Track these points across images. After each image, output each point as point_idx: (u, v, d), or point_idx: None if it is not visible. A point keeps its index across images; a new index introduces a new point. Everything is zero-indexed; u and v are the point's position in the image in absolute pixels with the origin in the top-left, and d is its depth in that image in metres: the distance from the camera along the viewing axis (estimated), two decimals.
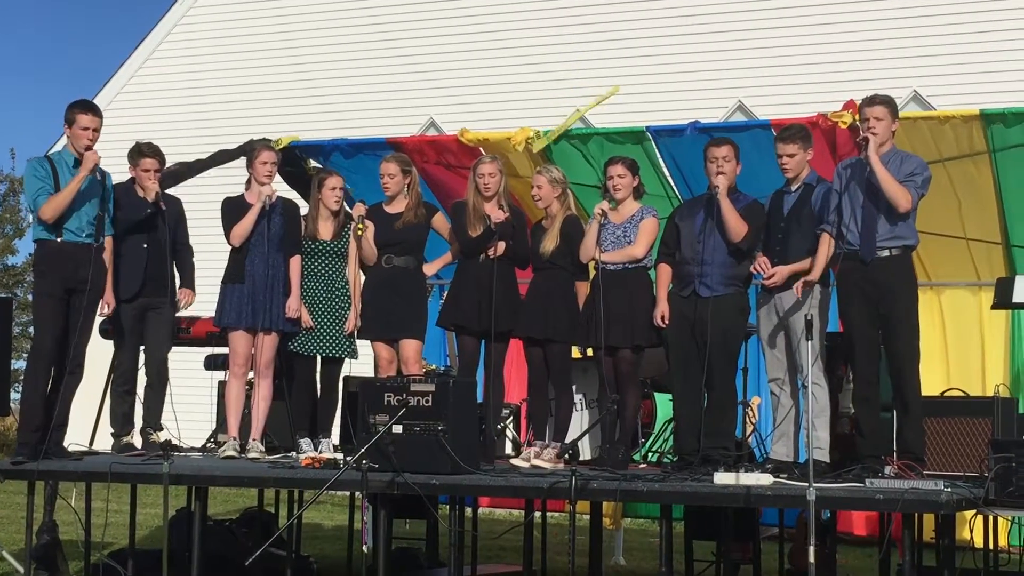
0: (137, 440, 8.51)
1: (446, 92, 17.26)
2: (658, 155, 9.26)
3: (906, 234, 7.18)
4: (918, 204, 7.24)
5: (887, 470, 6.89)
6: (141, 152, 8.59)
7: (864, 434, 7.26)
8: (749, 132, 8.79)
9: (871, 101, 7.33)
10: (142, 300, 8.46)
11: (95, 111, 8.15)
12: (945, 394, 8.41)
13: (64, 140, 8.22)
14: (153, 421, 8.48)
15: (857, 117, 8.34)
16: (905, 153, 7.38)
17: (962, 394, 8.32)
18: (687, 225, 7.88)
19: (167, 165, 8.99)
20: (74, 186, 7.88)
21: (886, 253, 7.16)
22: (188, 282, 8.73)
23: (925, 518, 7.51)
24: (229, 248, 8.50)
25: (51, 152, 8.21)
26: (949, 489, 6.26)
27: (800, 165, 7.62)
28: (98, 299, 8.11)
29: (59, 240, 7.93)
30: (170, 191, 8.90)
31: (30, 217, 8.36)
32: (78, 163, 8.00)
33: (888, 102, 7.32)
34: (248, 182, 8.63)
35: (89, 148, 7.98)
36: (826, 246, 7.39)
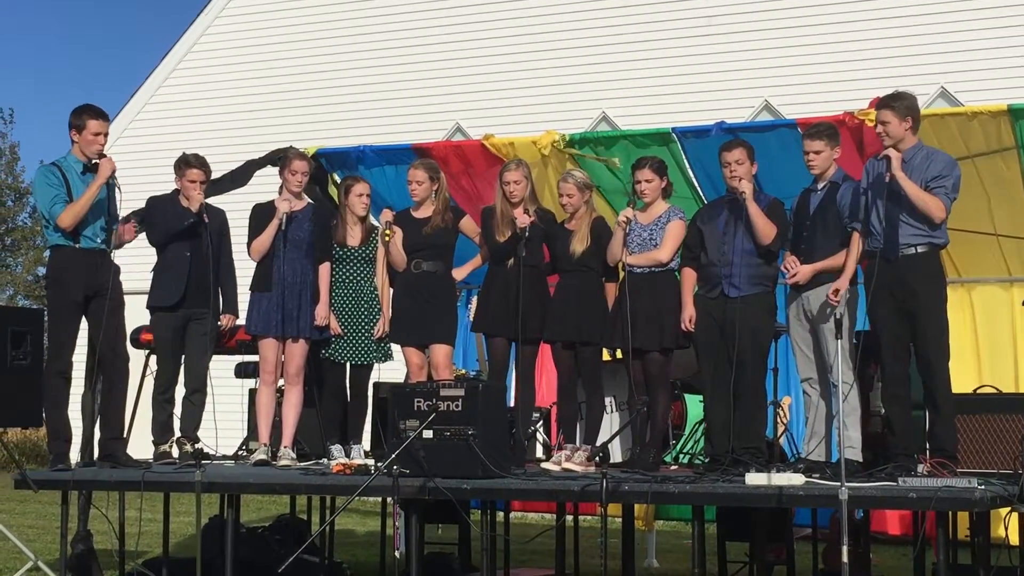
0: (176, 450, 8.53)
1: (472, 97, 17.28)
2: (684, 157, 9.23)
3: (933, 231, 7.13)
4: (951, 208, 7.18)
5: (920, 468, 6.85)
6: (188, 163, 8.54)
7: (896, 433, 7.22)
8: (775, 131, 8.76)
9: (878, 106, 7.29)
10: (184, 311, 8.40)
11: (105, 116, 8.12)
12: (978, 391, 8.36)
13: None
14: (189, 432, 8.50)
15: None
16: (931, 149, 7.31)
17: (995, 391, 8.27)
18: (710, 227, 7.87)
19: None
20: (92, 193, 7.86)
21: (912, 251, 7.11)
22: (230, 306, 8.63)
23: (959, 516, 7.49)
24: None
25: (57, 158, 8.14)
26: (983, 487, 6.23)
27: (826, 162, 7.59)
28: (121, 303, 8.10)
29: (77, 246, 7.93)
30: (213, 202, 8.87)
31: (43, 225, 8.24)
32: (87, 169, 8.00)
33: (891, 104, 7.21)
34: (281, 188, 8.67)
35: (102, 154, 8.00)
36: (856, 245, 7.36)
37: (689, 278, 7.99)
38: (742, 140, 7.91)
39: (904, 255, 7.11)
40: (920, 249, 7.11)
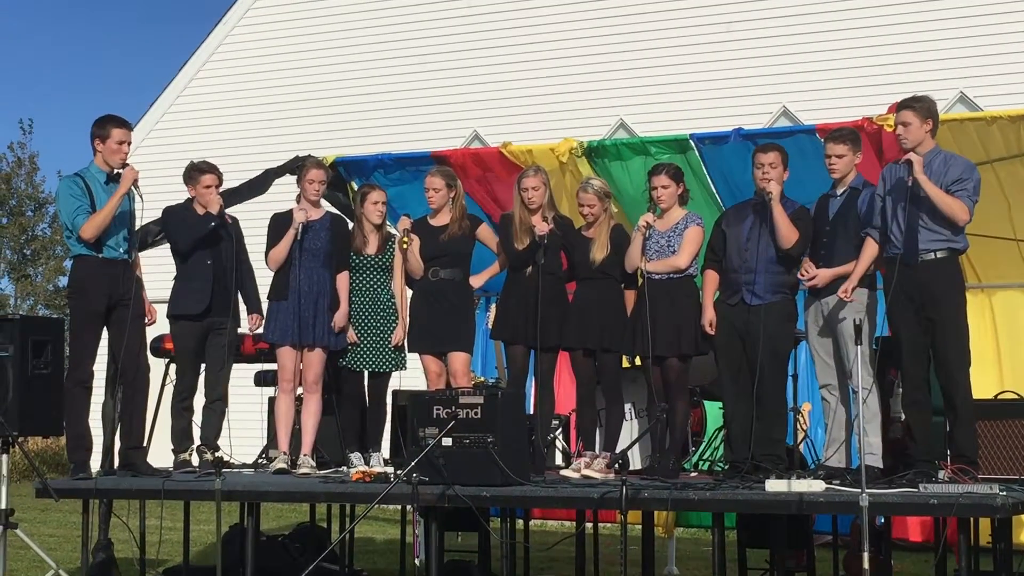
0: (196, 458, 8.56)
1: (490, 105, 17.29)
2: (701, 163, 9.21)
3: (952, 236, 7.12)
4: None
5: (941, 474, 6.83)
6: (201, 169, 8.61)
7: (916, 439, 7.20)
8: (793, 137, 8.74)
9: (899, 106, 7.29)
10: (207, 320, 8.47)
11: (128, 125, 8.18)
12: (998, 397, 8.33)
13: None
14: (209, 441, 8.53)
15: None
16: (948, 153, 7.30)
17: (1016, 396, 8.23)
18: (734, 232, 7.86)
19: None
20: (114, 204, 7.90)
21: (931, 256, 7.10)
22: (255, 307, 8.71)
23: (981, 522, 7.45)
24: None
25: (80, 169, 8.18)
26: (1004, 492, 6.21)
27: (848, 167, 7.58)
28: (142, 313, 8.14)
29: (100, 256, 7.97)
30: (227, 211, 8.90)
31: (65, 235, 8.29)
32: (109, 179, 8.04)
33: (912, 105, 7.23)
34: (299, 197, 8.69)
35: (125, 164, 8.03)
36: (870, 249, 7.35)
37: (711, 280, 7.97)
38: (778, 145, 7.89)
39: (924, 260, 7.09)
40: (940, 255, 7.10)
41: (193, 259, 8.52)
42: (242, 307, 8.76)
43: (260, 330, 8.71)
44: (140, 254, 8.47)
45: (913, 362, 7.21)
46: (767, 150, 7.79)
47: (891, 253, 7.22)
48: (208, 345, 8.53)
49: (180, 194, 9.00)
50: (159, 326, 8.62)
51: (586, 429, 8.28)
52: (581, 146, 9.41)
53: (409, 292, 8.75)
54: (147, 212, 8.46)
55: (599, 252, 8.15)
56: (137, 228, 8.40)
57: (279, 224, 8.57)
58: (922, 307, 7.10)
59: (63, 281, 25.81)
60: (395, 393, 9.05)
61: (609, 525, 11.36)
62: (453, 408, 7.11)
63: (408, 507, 8.10)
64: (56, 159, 47.51)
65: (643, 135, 11.47)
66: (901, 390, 7.53)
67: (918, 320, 7.13)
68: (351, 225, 8.90)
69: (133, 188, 8.01)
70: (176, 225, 8.63)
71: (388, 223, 8.91)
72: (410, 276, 8.66)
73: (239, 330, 8.86)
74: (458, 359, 8.45)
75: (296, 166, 9.26)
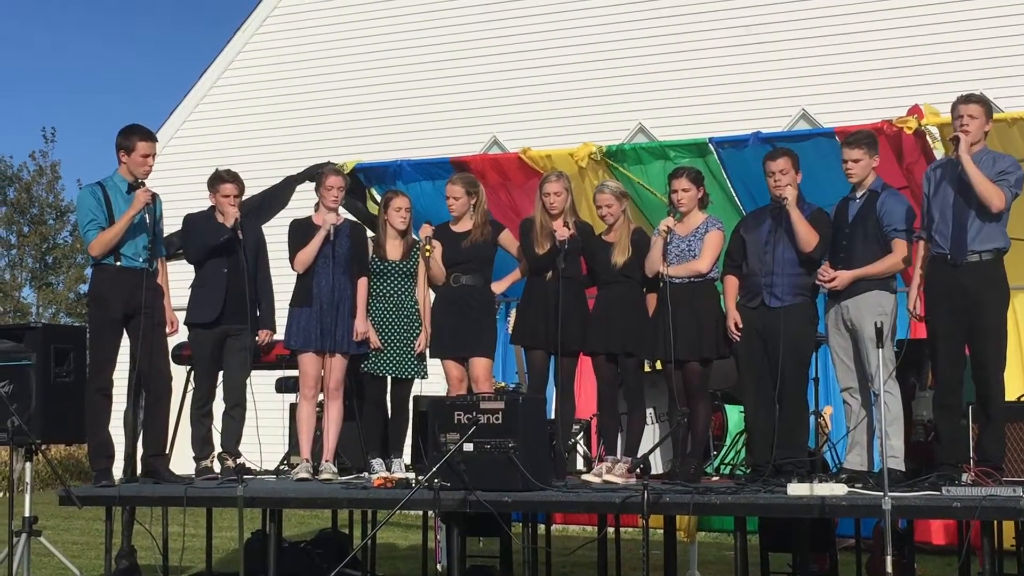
0: (217, 465, 8.58)
1: (509, 110, 17.30)
2: (721, 167, 9.20)
3: (996, 236, 7.09)
4: (1011, 205, 7.15)
5: (964, 478, 6.80)
6: (221, 178, 8.62)
7: (942, 441, 7.16)
8: (812, 140, 8.73)
9: (966, 99, 7.24)
10: (222, 327, 8.47)
11: (153, 137, 8.20)
12: (1021, 399, 8.29)
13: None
14: (230, 447, 8.54)
15: (923, 122, 8.29)
16: (998, 153, 7.30)
17: None
18: (753, 237, 7.85)
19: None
20: (123, 225, 7.91)
21: (976, 257, 7.06)
22: (267, 322, 8.67)
23: (1005, 525, 7.43)
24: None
25: (104, 177, 8.20)
26: None
27: (865, 171, 7.56)
28: (161, 321, 8.17)
29: (118, 264, 8.00)
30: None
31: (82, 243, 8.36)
32: (131, 188, 8.06)
33: (983, 101, 7.25)
34: (317, 204, 8.71)
35: (146, 176, 8.04)
36: (896, 254, 7.34)
37: (732, 286, 7.97)
38: (787, 149, 7.88)
39: (969, 262, 7.07)
40: (985, 256, 7.07)
41: (208, 267, 8.53)
42: None
43: (274, 339, 8.72)
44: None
45: (949, 365, 7.17)
46: (775, 156, 7.78)
47: (935, 253, 7.20)
48: (226, 351, 8.53)
49: (199, 202, 9.02)
50: (181, 334, 8.65)
51: (607, 433, 8.27)
52: (600, 150, 9.41)
53: (432, 297, 8.76)
54: (166, 222, 8.48)
55: (620, 255, 8.15)
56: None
57: (300, 229, 8.59)
58: (964, 309, 7.05)
59: (84, 289, 25.93)
60: (416, 399, 9.06)
61: (631, 530, 11.32)
62: (474, 413, 7.11)
63: (430, 513, 8.11)
64: (77, 167, 47.70)
65: (662, 139, 11.47)
66: (928, 392, 7.51)
67: (957, 322, 7.09)
68: (370, 232, 8.91)
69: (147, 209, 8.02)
70: (190, 233, 8.66)
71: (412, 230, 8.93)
72: (432, 282, 8.67)
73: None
74: (479, 364, 8.46)
75: (316, 172, 9.29)
